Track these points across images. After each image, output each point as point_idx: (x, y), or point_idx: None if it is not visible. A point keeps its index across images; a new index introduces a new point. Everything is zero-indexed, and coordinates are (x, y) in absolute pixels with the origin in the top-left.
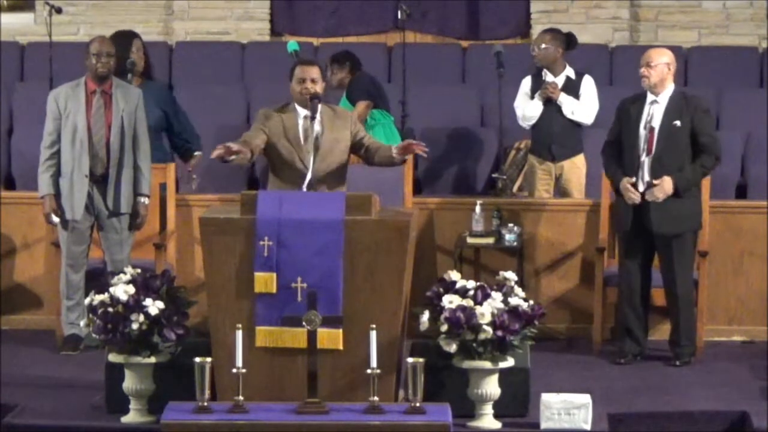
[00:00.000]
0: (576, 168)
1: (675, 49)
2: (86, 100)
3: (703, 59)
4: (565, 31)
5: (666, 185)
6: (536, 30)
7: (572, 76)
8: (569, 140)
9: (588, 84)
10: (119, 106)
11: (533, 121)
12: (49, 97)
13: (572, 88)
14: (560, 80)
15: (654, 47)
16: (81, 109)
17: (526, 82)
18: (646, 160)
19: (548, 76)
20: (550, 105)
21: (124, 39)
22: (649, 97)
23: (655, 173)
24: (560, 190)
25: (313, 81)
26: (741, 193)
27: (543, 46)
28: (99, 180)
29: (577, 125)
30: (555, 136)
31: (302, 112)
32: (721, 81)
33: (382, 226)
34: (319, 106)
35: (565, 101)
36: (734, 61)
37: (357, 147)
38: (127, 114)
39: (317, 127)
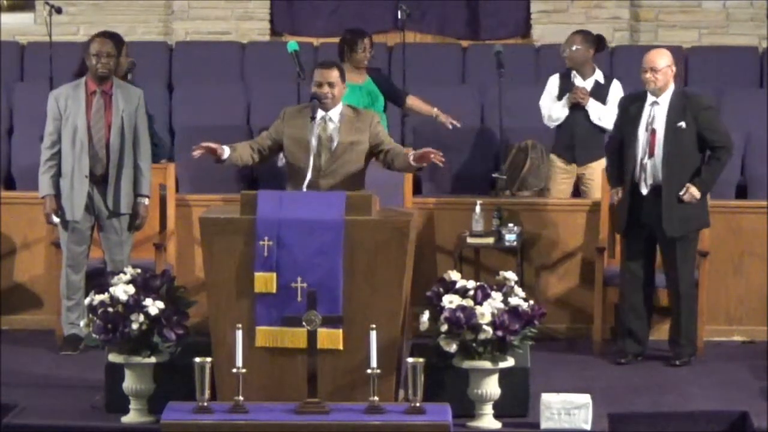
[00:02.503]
0: (598, 172)
1: (675, 49)
2: (86, 101)
3: (704, 59)
4: (596, 33)
5: (692, 191)
6: (536, 30)
7: (601, 80)
8: (592, 144)
9: (616, 89)
10: (119, 107)
11: (558, 123)
12: (49, 98)
13: (600, 93)
14: (589, 84)
15: (653, 48)
16: (81, 110)
17: (554, 81)
18: (648, 162)
19: (577, 79)
20: (577, 108)
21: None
22: (649, 98)
23: (665, 176)
24: (580, 192)
25: (330, 85)
26: (741, 193)
27: (574, 47)
28: (99, 180)
29: (600, 130)
30: (578, 139)
31: (319, 113)
32: (721, 81)
33: (382, 226)
34: (340, 107)
35: (592, 107)
36: (734, 61)
37: (376, 151)
38: (128, 114)
39: (330, 128)
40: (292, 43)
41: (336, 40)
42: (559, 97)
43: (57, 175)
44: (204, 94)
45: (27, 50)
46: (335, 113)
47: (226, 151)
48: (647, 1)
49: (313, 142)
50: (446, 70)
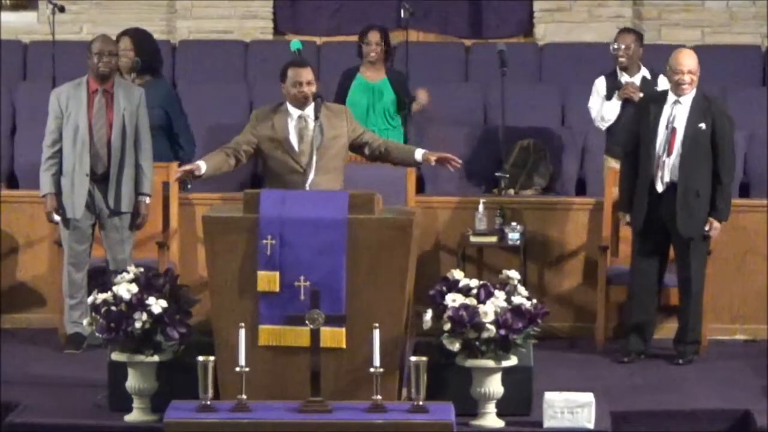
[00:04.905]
0: None
1: (678, 48)
2: (88, 100)
3: (706, 58)
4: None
5: (716, 225)
6: (539, 29)
7: (648, 76)
8: None
9: (664, 83)
10: (121, 106)
11: (610, 123)
12: (50, 96)
13: (648, 88)
14: (636, 80)
15: (681, 49)
16: (82, 109)
17: (601, 83)
18: (666, 160)
19: (624, 77)
20: (628, 105)
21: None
22: (671, 97)
23: (681, 176)
24: None
25: (308, 83)
26: (744, 191)
27: (624, 46)
28: (100, 179)
29: None
30: None
31: (295, 113)
32: (724, 80)
33: (385, 224)
34: (314, 105)
35: None
36: (737, 60)
37: (359, 144)
38: (129, 113)
39: (310, 126)
40: (295, 42)
41: (339, 39)
42: (608, 97)
43: (58, 174)
44: (207, 92)
45: (30, 49)
46: (310, 110)
47: (202, 167)
48: (650, 0)
49: (294, 141)
50: (449, 69)
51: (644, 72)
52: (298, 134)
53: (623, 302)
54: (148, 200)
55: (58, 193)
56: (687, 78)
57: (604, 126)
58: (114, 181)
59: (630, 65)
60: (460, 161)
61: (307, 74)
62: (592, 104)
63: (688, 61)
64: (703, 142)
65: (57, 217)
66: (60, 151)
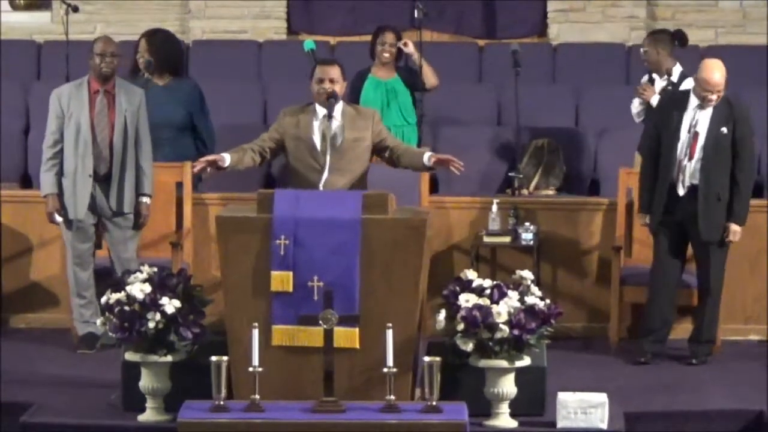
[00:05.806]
0: None
1: (692, 49)
2: (89, 100)
3: (720, 58)
4: (674, 29)
5: (734, 228)
6: (552, 29)
7: (675, 78)
8: None
9: (688, 85)
10: (122, 106)
11: (639, 119)
12: (51, 96)
13: (672, 91)
14: (663, 82)
15: (709, 62)
16: (84, 109)
17: (643, 81)
18: (687, 164)
19: (656, 77)
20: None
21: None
22: (694, 100)
23: (702, 180)
24: None
25: (331, 81)
26: (757, 191)
27: (641, 50)
28: (102, 180)
29: None
30: None
31: (321, 111)
32: (738, 80)
33: (399, 224)
34: (341, 105)
35: (654, 101)
36: (751, 60)
37: (380, 149)
38: (130, 114)
39: (335, 126)
40: (309, 41)
41: (352, 38)
42: None
43: (59, 174)
44: (221, 92)
45: (44, 49)
46: (337, 111)
47: (226, 159)
48: (664, 0)
49: (316, 139)
50: (463, 69)
51: (675, 73)
52: (321, 133)
53: (637, 303)
54: (148, 201)
55: (59, 193)
56: (714, 96)
57: (636, 121)
58: (116, 181)
59: (654, 68)
60: (462, 164)
61: (331, 71)
62: (634, 100)
63: (716, 77)
64: (724, 146)
65: (59, 218)
66: (61, 151)
